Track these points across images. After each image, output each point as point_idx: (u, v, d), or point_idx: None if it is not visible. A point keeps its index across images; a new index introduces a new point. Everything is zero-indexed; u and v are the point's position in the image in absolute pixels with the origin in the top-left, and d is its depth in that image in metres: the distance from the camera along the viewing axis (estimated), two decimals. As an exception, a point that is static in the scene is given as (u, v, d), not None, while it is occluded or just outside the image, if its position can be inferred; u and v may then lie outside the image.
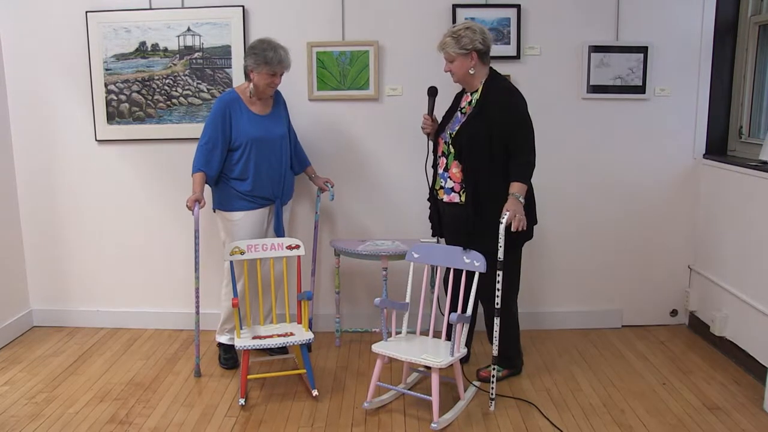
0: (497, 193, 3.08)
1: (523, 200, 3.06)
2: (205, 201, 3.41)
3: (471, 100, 3.22)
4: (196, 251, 3.41)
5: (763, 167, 3.41)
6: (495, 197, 3.08)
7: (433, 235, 3.50)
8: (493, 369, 3.13)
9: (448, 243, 3.35)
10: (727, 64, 3.91)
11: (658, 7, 3.85)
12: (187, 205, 3.33)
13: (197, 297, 3.47)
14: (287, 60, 3.37)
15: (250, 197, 3.45)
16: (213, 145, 3.36)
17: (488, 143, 3.09)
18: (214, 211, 3.56)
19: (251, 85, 3.39)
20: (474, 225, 3.14)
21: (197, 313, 3.49)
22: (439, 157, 3.29)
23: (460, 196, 3.20)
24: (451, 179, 3.22)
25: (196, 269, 3.43)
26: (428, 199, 3.44)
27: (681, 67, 3.90)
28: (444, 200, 3.27)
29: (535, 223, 3.28)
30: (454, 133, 3.19)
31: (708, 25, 3.86)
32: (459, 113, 3.25)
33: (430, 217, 3.46)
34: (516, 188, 3.06)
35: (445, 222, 3.36)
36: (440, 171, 3.28)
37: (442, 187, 3.27)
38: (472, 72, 3.15)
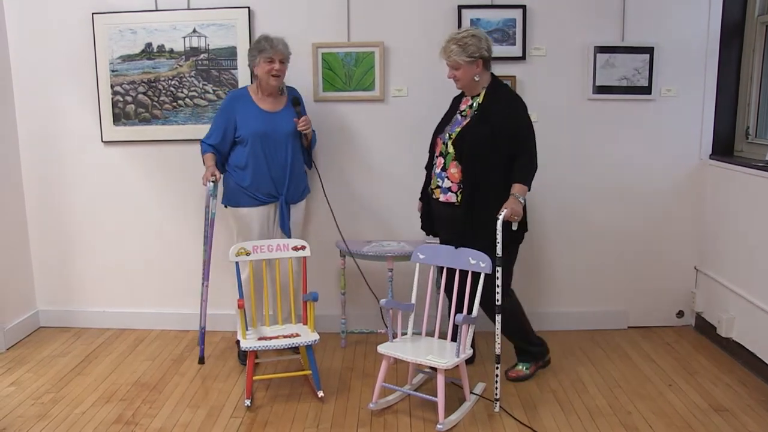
0: (493, 196, 3.12)
1: (523, 200, 3.11)
2: (218, 176, 3.48)
3: (471, 104, 3.27)
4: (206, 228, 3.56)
5: (770, 168, 3.40)
6: (490, 199, 3.12)
7: (425, 231, 3.53)
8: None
9: (442, 242, 3.37)
10: (734, 64, 3.89)
11: (664, 8, 3.83)
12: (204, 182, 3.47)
13: (205, 269, 3.57)
14: (280, 46, 3.46)
15: (251, 192, 3.50)
16: (215, 126, 3.53)
17: (490, 146, 3.13)
18: (225, 207, 3.62)
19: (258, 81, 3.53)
20: (467, 225, 3.17)
21: (205, 293, 3.55)
22: (437, 157, 3.32)
23: (456, 196, 3.23)
24: (449, 179, 3.25)
25: (205, 243, 3.56)
26: (420, 198, 3.51)
27: (687, 67, 3.89)
28: (440, 200, 3.30)
29: (526, 230, 3.29)
30: (454, 134, 3.22)
31: (714, 25, 3.85)
32: (458, 115, 3.30)
33: (421, 216, 3.52)
34: (517, 189, 3.11)
35: (440, 221, 3.39)
36: (437, 171, 3.30)
37: (438, 187, 3.29)
38: (477, 78, 3.21)
